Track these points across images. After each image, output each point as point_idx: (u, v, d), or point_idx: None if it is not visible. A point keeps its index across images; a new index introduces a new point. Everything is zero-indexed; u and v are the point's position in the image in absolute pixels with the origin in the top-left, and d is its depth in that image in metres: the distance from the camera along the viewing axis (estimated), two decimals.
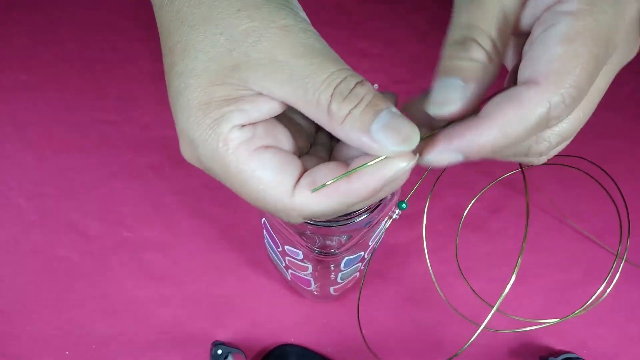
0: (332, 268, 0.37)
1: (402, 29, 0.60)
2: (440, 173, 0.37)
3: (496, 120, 0.19)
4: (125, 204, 0.49)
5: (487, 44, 0.20)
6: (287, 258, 0.38)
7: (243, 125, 0.21)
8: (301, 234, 0.33)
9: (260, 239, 0.48)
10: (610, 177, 0.35)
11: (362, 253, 0.37)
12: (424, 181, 0.29)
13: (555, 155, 0.24)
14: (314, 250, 0.33)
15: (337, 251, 0.33)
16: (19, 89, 0.54)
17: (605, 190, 0.36)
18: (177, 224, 0.48)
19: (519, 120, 0.19)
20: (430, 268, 0.37)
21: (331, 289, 0.41)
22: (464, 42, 0.20)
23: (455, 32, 0.20)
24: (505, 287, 0.22)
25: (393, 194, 0.33)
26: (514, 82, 0.21)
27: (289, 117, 0.24)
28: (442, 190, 0.51)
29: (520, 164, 0.25)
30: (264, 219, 0.37)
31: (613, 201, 0.36)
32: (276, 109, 0.21)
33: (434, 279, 0.43)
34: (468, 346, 0.24)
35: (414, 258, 0.48)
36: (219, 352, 0.41)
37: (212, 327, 0.44)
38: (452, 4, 0.21)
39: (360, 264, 0.39)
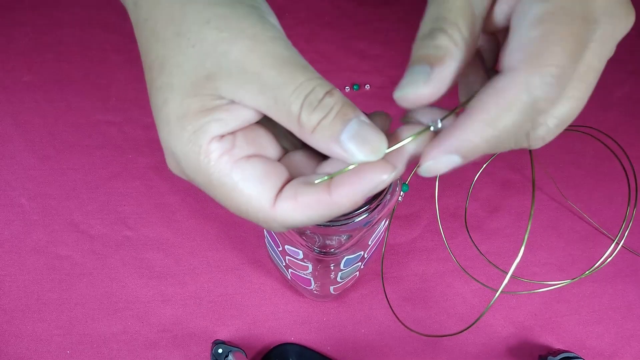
0: (332, 267, 0.37)
1: (402, 30, 0.61)
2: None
3: (481, 114, 0.19)
4: (127, 203, 0.49)
5: (454, 31, 0.20)
6: (287, 257, 0.38)
7: (222, 136, 0.21)
8: (301, 233, 0.33)
9: (261, 239, 0.48)
10: (620, 147, 0.34)
11: (362, 252, 0.37)
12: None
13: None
14: (314, 249, 0.33)
15: (337, 251, 0.34)
16: (21, 89, 0.54)
17: (617, 157, 0.35)
18: (178, 223, 0.49)
19: (503, 109, 0.19)
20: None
21: (331, 288, 0.42)
22: (431, 32, 0.20)
23: (424, 26, 0.21)
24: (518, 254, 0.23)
25: (392, 195, 0.33)
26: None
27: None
28: (440, 190, 0.51)
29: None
30: None
31: (624, 168, 0.37)
32: (252, 116, 0.22)
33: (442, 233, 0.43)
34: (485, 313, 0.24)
35: (413, 258, 0.48)
36: (220, 350, 0.41)
37: (213, 326, 0.45)
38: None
39: (360, 263, 0.39)
